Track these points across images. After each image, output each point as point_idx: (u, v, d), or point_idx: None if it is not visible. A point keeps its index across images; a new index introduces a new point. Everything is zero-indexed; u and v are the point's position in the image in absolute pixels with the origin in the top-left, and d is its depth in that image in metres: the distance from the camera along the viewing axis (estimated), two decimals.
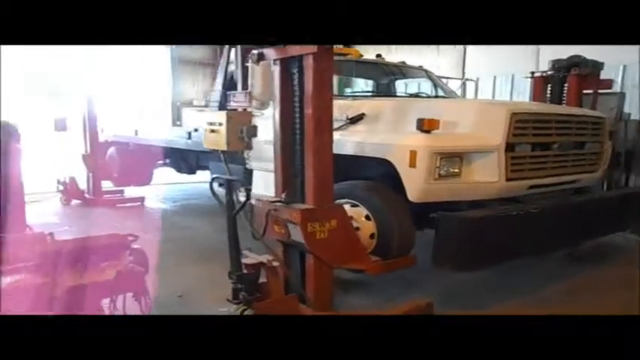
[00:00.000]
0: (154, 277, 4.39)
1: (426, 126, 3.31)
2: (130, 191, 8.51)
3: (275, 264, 3.32)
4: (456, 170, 3.36)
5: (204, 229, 6.35)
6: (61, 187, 7.91)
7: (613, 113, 6.03)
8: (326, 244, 3.30)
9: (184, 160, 7.43)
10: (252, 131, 3.32)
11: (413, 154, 3.25)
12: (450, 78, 5.73)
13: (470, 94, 6.08)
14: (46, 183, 8.20)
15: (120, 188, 8.43)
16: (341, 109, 4.06)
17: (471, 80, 5.86)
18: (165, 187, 9.62)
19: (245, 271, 3.34)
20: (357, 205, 3.74)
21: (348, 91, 6.39)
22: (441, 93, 5.53)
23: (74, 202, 7.97)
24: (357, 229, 3.69)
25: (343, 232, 3.37)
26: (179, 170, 8.07)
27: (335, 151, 3.80)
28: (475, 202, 3.62)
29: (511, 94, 8.15)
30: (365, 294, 4.00)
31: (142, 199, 8.14)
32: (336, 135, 3.91)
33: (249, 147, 3.37)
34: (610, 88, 6.16)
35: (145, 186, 8.51)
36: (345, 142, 3.80)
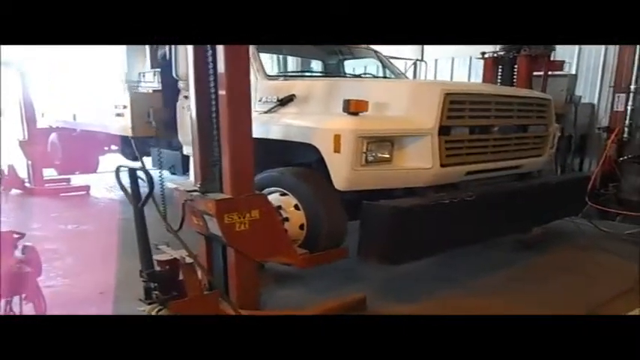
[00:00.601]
0: (79, 271, 4.16)
1: (352, 108, 3.05)
2: (77, 180, 8.10)
3: (189, 260, 3.06)
4: (386, 156, 3.13)
5: (147, 220, 6.03)
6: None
7: (563, 95, 5.88)
8: (247, 237, 3.05)
9: (128, 145, 7.05)
10: (161, 115, 3.04)
11: (337, 139, 2.99)
12: (400, 58, 5.46)
13: (424, 76, 5.82)
14: None
15: (66, 177, 8.02)
16: (272, 90, 3.79)
17: (422, 61, 5.59)
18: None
19: (158, 268, 3.09)
20: (287, 194, 3.49)
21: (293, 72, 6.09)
22: (389, 74, 5.29)
23: (14, 191, 7.54)
24: (286, 219, 3.45)
25: (266, 223, 3.11)
26: (126, 157, 7.70)
27: (263, 135, 3.56)
28: (411, 190, 3.41)
29: (469, 76, 7.96)
30: (301, 286, 3.78)
31: (87, 188, 7.74)
32: (265, 118, 3.66)
33: (160, 133, 3.09)
34: (561, 70, 5.99)
35: (91, 174, 8.13)
36: (273, 125, 3.53)
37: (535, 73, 5.66)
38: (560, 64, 5.91)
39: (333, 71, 5.47)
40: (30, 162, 7.50)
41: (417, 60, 5.53)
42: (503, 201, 3.50)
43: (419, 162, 3.16)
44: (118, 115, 3.02)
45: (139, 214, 3.08)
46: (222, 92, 2.90)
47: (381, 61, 5.38)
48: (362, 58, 5.52)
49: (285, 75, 4.03)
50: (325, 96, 3.44)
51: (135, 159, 7.29)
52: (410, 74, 5.56)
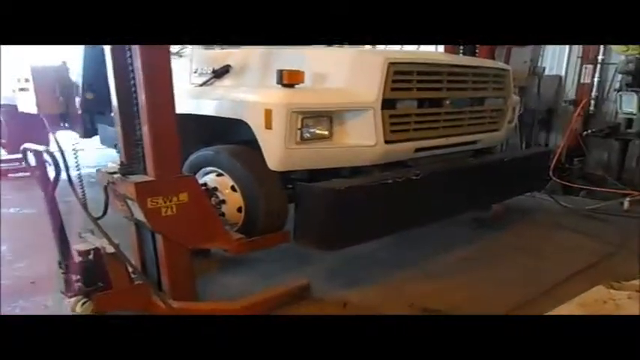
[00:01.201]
0: (14, 259, 3.87)
1: (286, 79, 2.77)
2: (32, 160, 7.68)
3: (110, 250, 2.80)
4: (325, 132, 2.86)
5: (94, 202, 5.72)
6: None
7: (526, 67, 5.66)
8: (175, 222, 2.78)
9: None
10: (71, 90, 2.73)
11: (268, 113, 2.71)
12: None
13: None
14: None
15: (18, 156, 7.59)
16: (208, 60, 3.49)
17: None
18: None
19: (80, 258, 2.82)
20: (223, 175, 3.22)
21: None
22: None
23: None
24: (223, 202, 3.19)
25: (196, 206, 2.85)
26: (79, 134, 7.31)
27: (196, 110, 3.28)
28: (358, 170, 3.17)
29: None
30: (248, 271, 3.55)
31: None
32: (198, 91, 3.38)
33: (71, 110, 2.79)
34: None
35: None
36: (205, 99, 3.24)
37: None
38: None
39: None
40: None
41: None
42: (455, 179, 3.27)
43: (361, 139, 2.91)
44: (22, 89, 2.71)
45: (51, 200, 2.80)
46: (137, 63, 2.61)
47: None
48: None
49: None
50: (261, 66, 3.14)
51: (86, 136, 6.92)
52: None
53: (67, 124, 7.19)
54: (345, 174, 3.21)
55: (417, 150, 3.21)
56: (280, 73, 2.78)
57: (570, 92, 6.53)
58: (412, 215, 2.99)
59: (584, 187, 5.42)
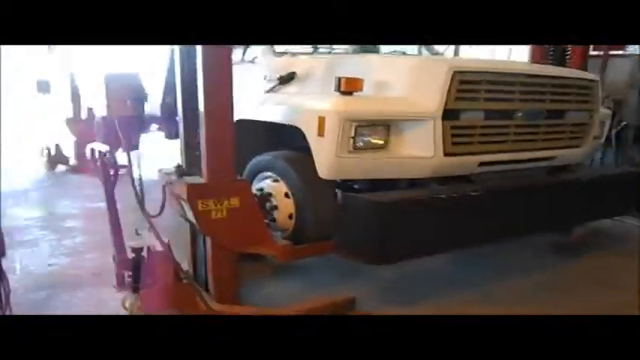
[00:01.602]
0: (85, 250, 4.13)
1: (344, 86, 2.70)
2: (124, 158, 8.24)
3: (159, 248, 2.88)
4: (380, 142, 2.75)
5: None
6: (46, 152, 7.71)
7: (624, 79, 5.12)
8: (224, 226, 2.82)
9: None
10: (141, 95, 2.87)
11: (321, 121, 2.65)
12: None
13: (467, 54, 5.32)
14: (34, 147, 8.08)
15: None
16: (277, 67, 3.51)
17: None
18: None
19: (133, 254, 2.94)
20: (278, 180, 3.21)
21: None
22: (425, 53, 4.84)
23: (59, 168, 7.77)
24: (275, 207, 3.18)
25: (246, 212, 2.86)
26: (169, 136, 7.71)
27: (262, 116, 3.32)
28: (417, 182, 3.03)
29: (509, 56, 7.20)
30: (298, 279, 3.52)
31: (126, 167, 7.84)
32: (264, 97, 3.42)
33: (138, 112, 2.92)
34: (624, 49, 5.22)
35: (133, 151, 8.23)
36: (269, 105, 3.25)
37: (593, 53, 4.96)
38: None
39: (370, 49, 5.10)
40: (76, 140, 7.68)
41: None
42: (523, 197, 3.01)
43: (419, 150, 2.76)
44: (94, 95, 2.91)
45: (110, 197, 2.94)
46: (200, 70, 2.67)
47: None
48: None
49: (293, 52, 3.71)
50: (324, 74, 3.10)
51: (171, 136, 7.28)
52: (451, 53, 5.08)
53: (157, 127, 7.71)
54: (403, 186, 3.09)
55: (482, 164, 2.99)
56: (338, 80, 2.72)
57: None
58: (469, 234, 2.79)
59: None
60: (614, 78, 4.35)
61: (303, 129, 2.80)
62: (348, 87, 2.71)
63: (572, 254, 3.94)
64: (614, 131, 5.63)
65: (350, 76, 2.77)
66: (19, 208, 5.53)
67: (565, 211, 3.26)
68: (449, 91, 2.72)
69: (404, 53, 4.45)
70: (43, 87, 7.41)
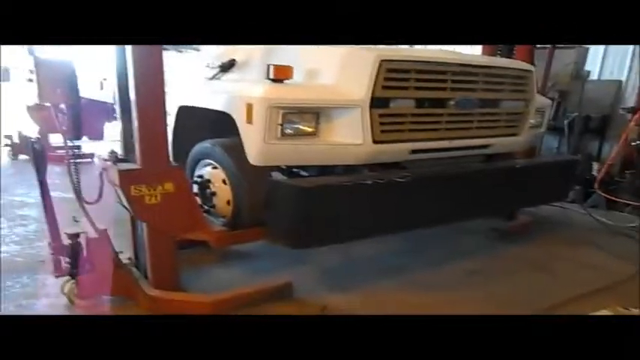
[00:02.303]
0: (36, 238, 4.12)
1: (274, 74, 2.74)
2: (88, 147, 8.18)
3: (93, 235, 2.92)
4: (310, 129, 2.80)
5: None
6: (8, 142, 7.63)
7: (569, 70, 5.24)
8: (159, 211, 2.86)
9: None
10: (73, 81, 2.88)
11: (249, 108, 2.69)
12: None
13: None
14: None
15: (77, 144, 8.10)
16: (219, 55, 3.53)
17: None
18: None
19: (69, 240, 2.96)
20: (217, 167, 3.25)
21: None
22: None
23: (22, 157, 7.69)
24: (214, 194, 3.22)
25: (181, 197, 2.90)
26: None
27: (196, 103, 3.35)
28: (350, 169, 3.09)
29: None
30: (243, 266, 3.58)
31: (92, 156, 7.80)
32: (204, 85, 3.45)
33: (71, 100, 2.94)
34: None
35: (97, 141, 8.19)
36: (205, 93, 3.29)
37: (539, 45, 5.05)
38: None
39: None
40: (38, 128, 7.60)
41: None
42: (454, 184, 3.09)
43: (348, 137, 2.82)
44: (29, 80, 2.90)
45: (42, 183, 2.96)
46: (130, 64, 2.69)
47: None
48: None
49: None
50: (260, 62, 3.13)
51: None
52: None
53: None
54: (338, 172, 3.15)
55: (413, 152, 3.06)
56: (269, 68, 2.76)
57: (631, 99, 6.02)
58: (396, 219, 2.86)
59: (631, 202, 4.96)
60: (558, 69, 4.44)
61: (234, 116, 2.85)
62: (278, 74, 2.75)
63: (511, 241, 4.06)
64: (565, 121, 5.77)
65: (283, 64, 2.82)
66: None
67: (497, 197, 3.35)
68: (376, 79, 2.77)
69: None
70: (3, 75, 7.31)
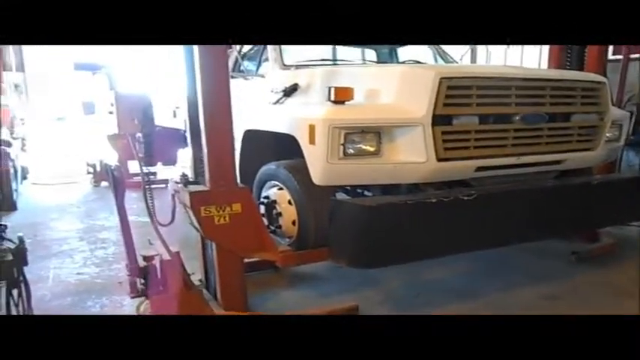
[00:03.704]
0: (114, 260, 4.37)
1: (335, 96, 2.80)
2: (164, 173, 8.62)
3: (167, 257, 3.05)
4: (372, 148, 2.82)
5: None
6: (91, 170, 8.19)
7: None
8: (227, 231, 2.96)
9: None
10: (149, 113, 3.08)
11: (311, 129, 2.76)
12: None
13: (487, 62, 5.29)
14: (81, 166, 8.61)
15: (153, 170, 8.56)
16: (283, 80, 3.66)
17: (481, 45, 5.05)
18: None
19: (145, 263, 3.12)
20: (283, 188, 3.33)
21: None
22: (440, 61, 4.87)
23: (103, 184, 8.21)
24: (280, 214, 3.30)
25: (248, 217, 3.00)
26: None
27: (268, 127, 3.47)
28: (415, 187, 3.08)
29: (539, 63, 7.04)
30: (310, 289, 3.61)
31: (166, 181, 8.18)
32: (269, 109, 3.57)
33: (146, 130, 3.13)
34: None
35: (171, 166, 8.61)
36: (270, 116, 3.40)
37: (612, 57, 4.81)
38: None
39: (386, 60, 5.18)
40: (118, 156, 8.11)
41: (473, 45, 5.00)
42: (522, 201, 2.97)
43: (411, 156, 2.80)
44: (110, 112, 3.15)
45: (120, 207, 3.13)
46: (200, 94, 2.86)
47: (434, 48, 4.98)
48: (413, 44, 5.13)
49: (298, 64, 3.85)
50: (321, 85, 3.20)
51: None
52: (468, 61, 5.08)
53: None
54: (403, 192, 3.13)
55: (480, 169, 3.00)
56: (329, 90, 2.82)
57: None
58: (464, 239, 2.79)
59: None
60: (635, 81, 4.19)
61: (297, 137, 2.92)
62: (339, 96, 2.81)
63: (593, 265, 3.82)
64: None
65: (343, 85, 2.88)
66: (61, 222, 5.92)
67: (571, 216, 3.18)
68: (437, 97, 2.75)
69: (417, 62, 4.51)
70: (89, 108, 7.88)
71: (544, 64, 6.77)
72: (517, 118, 3.03)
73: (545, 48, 6.10)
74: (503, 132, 3.03)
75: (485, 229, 2.84)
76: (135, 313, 3.11)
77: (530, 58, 7.33)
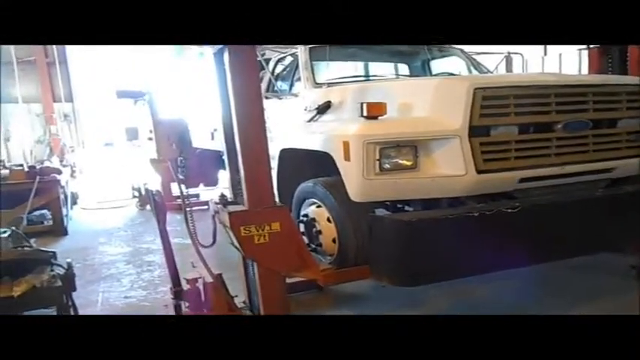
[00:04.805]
0: (161, 283, 4.45)
1: (368, 111, 2.79)
2: (206, 195, 8.78)
3: (209, 280, 3.08)
4: (409, 163, 2.78)
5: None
6: (136, 194, 8.43)
7: None
8: (267, 250, 2.96)
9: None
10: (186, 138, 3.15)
11: (346, 146, 2.76)
12: (489, 53, 4.90)
13: (524, 71, 5.17)
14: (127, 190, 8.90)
15: (195, 192, 8.74)
16: (316, 98, 3.69)
17: (517, 54, 4.94)
18: None
19: (188, 286, 3.17)
20: (321, 206, 3.33)
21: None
22: (474, 72, 4.80)
23: (148, 207, 8.42)
24: (320, 232, 3.29)
25: (288, 236, 3.00)
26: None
27: (303, 145, 3.49)
28: (456, 200, 3.01)
29: (579, 70, 6.80)
30: (355, 309, 3.55)
31: (207, 203, 8.34)
32: (303, 127, 3.59)
33: (184, 155, 3.20)
34: None
35: (212, 187, 8.77)
36: (305, 134, 3.42)
37: None
38: None
39: (419, 74, 5.16)
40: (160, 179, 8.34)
41: (510, 53, 4.90)
42: (570, 213, 2.86)
43: (449, 169, 2.75)
44: (149, 139, 3.24)
45: (163, 231, 3.20)
46: (234, 105, 2.90)
47: (468, 59, 4.93)
48: (446, 57, 5.10)
49: (330, 82, 3.88)
50: (353, 101, 3.21)
51: None
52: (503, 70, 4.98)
53: None
54: (444, 206, 3.07)
55: (523, 180, 2.90)
56: (362, 105, 2.81)
57: None
58: (509, 254, 2.69)
59: None
60: None
61: (333, 154, 2.92)
62: (372, 111, 2.79)
63: None
64: None
65: (376, 101, 2.87)
66: (109, 245, 6.10)
67: (624, 227, 3.03)
68: (472, 108, 2.70)
69: (451, 74, 4.46)
70: (132, 134, 8.16)
71: (584, 71, 6.57)
72: (559, 126, 2.93)
73: (585, 54, 5.93)
74: (544, 141, 2.93)
75: (532, 242, 2.73)
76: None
77: (570, 66, 7.14)
